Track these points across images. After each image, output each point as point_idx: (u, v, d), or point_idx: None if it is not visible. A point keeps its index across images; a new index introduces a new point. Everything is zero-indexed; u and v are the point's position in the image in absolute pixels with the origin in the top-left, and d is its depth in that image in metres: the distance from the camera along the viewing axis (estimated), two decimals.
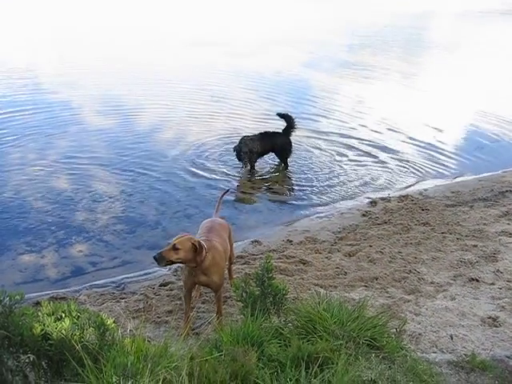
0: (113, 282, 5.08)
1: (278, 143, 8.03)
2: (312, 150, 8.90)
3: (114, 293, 4.85)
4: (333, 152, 8.81)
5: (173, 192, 7.11)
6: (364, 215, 6.65)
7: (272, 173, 8.11)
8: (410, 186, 7.75)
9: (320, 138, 9.42)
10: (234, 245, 5.00)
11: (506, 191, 7.30)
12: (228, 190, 5.50)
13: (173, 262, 3.75)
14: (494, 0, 40.14)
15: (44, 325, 2.35)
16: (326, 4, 36.35)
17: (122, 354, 2.27)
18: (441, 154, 9.10)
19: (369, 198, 7.24)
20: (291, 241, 5.92)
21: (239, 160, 7.82)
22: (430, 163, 8.65)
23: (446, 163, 8.72)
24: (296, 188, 7.57)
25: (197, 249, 3.69)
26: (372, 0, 39.76)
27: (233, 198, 7.10)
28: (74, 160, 7.96)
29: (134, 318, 4.25)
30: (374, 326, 3.07)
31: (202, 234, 4.17)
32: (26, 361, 2.35)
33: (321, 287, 4.70)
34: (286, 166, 8.12)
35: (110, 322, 2.46)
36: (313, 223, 6.51)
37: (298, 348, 2.73)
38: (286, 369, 2.62)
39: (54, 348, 2.32)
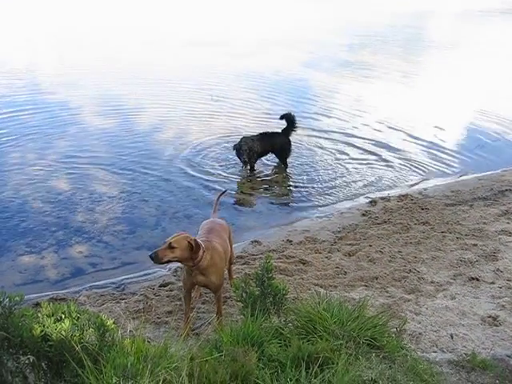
0: (113, 283, 5.07)
1: (277, 143, 8.03)
2: (312, 149, 8.91)
3: (113, 293, 4.84)
4: (333, 151, 8.81)
5: (173, 192, 7.10)
6: (364, 215, 6.65)
7: (272, 173, 8.10)
8: (411, 184, 7.75)
9: (320, 137, 9.42)
10: (234, 245, 5.00)
11: (506, 190, 7.30)
12: (225, 191, 5.47)
13: (169, 261, 3.74)
14: None
15: (44, 326, 2.35)
16: (326, 4, 36.35)
17: (121, 354, 2.27)
18: (442, 152, 9.09)
19: (368, 197, 7.24)
20: (291, 241, 5.91)
21: (239, 158, 7.81)
22: (432, 162, 8.64)
23: (447, 162, 8.71)
24: (296, 188, 7.56)
25: (193, 247, 3.67)
26: (372, 0, 39.75)
27: (233, 199, 7.10)
28: (73, 160, 7.96)
29: (133, 318, 4.25)
30: (374, 325, 3.07)
31: (202, 234, 4.16)
32: (26, 362, 2.35)
33: (321, 287, 4.69)
34: (286, 165, 8.12)
35: (109, 322, 2.46)
36: (312, 223, 6.50)
37: (298, 348, 2.73)
38: (286, 369, 2.62)
39: (54, 349, 2.32)
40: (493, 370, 3.03)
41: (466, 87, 13.90)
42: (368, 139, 9.46)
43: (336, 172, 8.02)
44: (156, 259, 3.60)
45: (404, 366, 2.85)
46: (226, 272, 4.62)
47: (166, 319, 4.28)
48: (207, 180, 7.49)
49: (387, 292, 4.68)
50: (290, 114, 8.14)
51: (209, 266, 3.83)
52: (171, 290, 4.81)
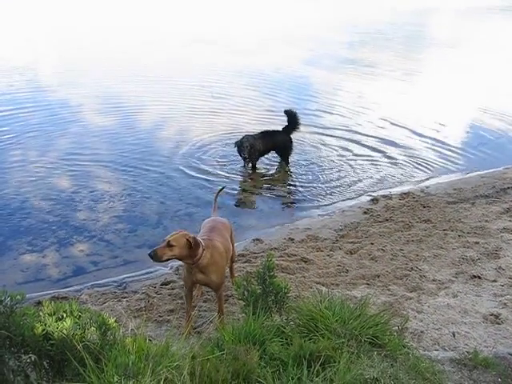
0: (114, 282, 5.07)
1: (279, 141, 8.03)
2: (315, 146, 8.90)
3: (115, 292, 4.84)
4: (336, 148, 8.81)
5: (174, 190, 7.09)
6: (365, 213, 6.64)
7: (273, 171, 8.09)
8: (415, 182, 7.73)
9: (323, 134, 9.42)
10: (236, 243, 4.99)
11: (508, 188, 7.28)
12: (222, 188, 5.43)
13: (169, 259, 3.73)
14: None
15: (45, 325, 2.34)
16: (326, 2, 36.25)
17: (123, 353, 2.27)
18: (445, 149, 9.07)
19: (370, 195, 7.23)
20: (293, 239, 5.91)
21: (240, 154, 7.79)
22: (435, 159, 8.62)
23: (451, 159, 8.69)
24: (297, 186, 7.55)
25: (192, 245, 3.66)
26: None
27: (234, 197, 7.09)
28: (74, 157, 7.97)
29: (135, 317, 4.25)
30: (376, 323, 3.06)
31: (204, 233, 4.15)
32: (28, 361, 2.34)
33: (322, 285, 4.69)
34: (287, 163, 8.11)
35: (111, 321, 2.46)
36: (314, 221, 6.49)
37: (299, 346, 2.72)
38: (287, 367, 2.61)
39: (56, 348, 2.31)
40: (495, 368, 3.02)
41: (469, 84, 13.87)
42: (371, 136, 9.44)
43: (338, 169, 8.01)
44: (155, 257, 3.59)
45: (406, 364, 2.84)
46: (228, 270, 4.61)
47: (168, 318, 4.28)
48: (208, 178, 7.47)
49: (389, 290, 4.68)
50: (292, 111, 8.11)
51: (209, 264, 3.82)
52: (173, 289, 4.81)
